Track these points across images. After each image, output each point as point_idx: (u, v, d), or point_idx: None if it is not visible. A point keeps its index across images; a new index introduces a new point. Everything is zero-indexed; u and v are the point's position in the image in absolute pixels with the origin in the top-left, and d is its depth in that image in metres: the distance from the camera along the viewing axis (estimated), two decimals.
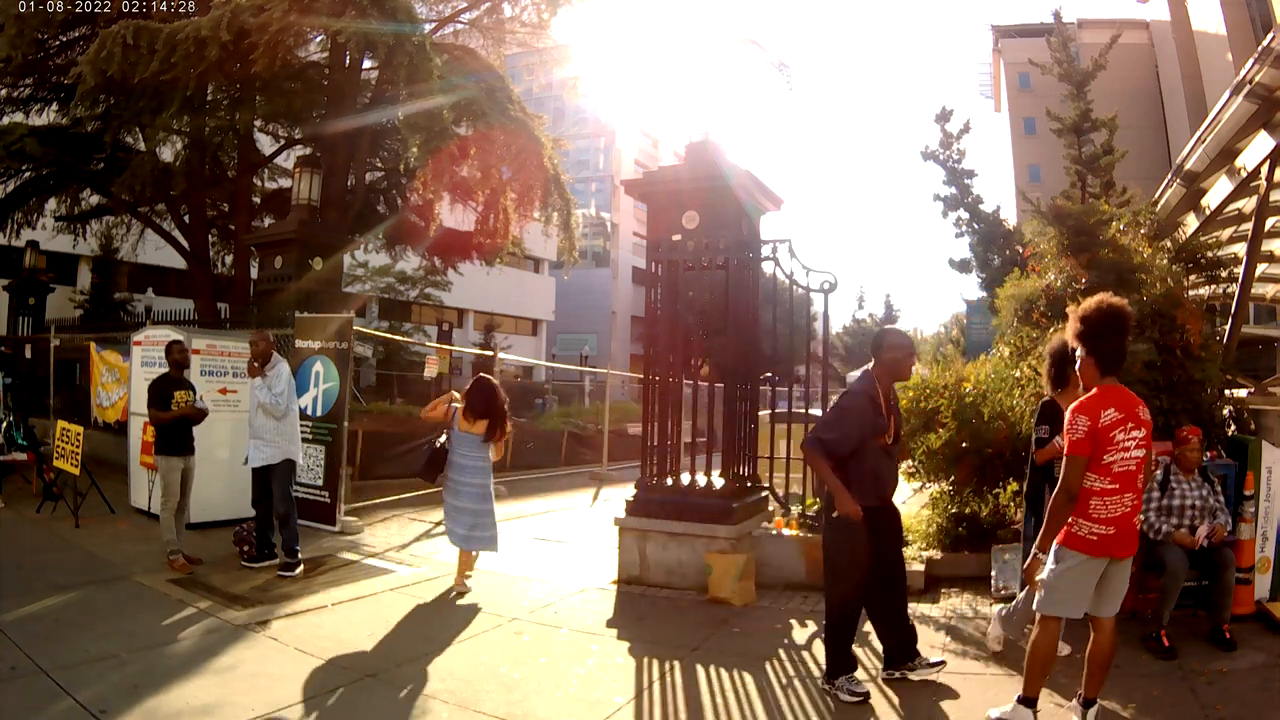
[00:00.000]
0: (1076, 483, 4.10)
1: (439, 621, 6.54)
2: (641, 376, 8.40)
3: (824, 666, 5.14)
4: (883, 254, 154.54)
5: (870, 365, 5.20)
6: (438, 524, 9.63)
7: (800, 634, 6.28)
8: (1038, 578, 4.26)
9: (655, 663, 5.64)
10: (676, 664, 5.59)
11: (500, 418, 7.69)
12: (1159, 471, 6.10)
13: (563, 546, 9.62)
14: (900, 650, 5.23)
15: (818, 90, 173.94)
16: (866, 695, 4.89)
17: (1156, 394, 6.58)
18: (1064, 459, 4.18)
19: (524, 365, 30.30)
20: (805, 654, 5.86)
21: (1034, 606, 4.39)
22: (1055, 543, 4.20)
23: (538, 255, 39.82)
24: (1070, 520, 4.15)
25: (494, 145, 14.37)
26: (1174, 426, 6.40)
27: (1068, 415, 4.19)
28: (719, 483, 7.72)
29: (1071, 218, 8.00)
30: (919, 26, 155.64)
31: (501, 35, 17.20)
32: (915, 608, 6.37)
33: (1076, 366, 4.41)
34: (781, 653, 5.87)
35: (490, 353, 16.45)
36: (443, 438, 7.61)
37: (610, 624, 6.51)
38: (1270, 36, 10.17)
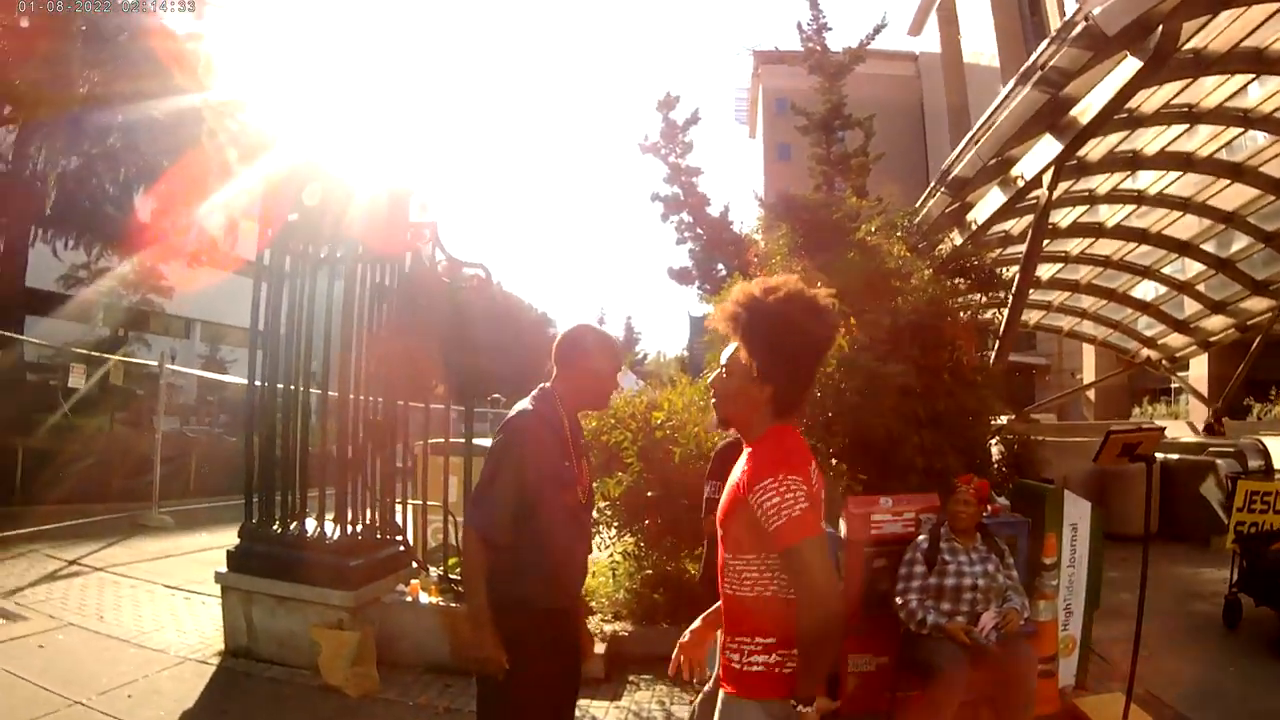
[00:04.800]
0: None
1: None
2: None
3: None
4: (626, 277, 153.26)
5: (551, 381, 3.19)
6: (72, 562, 8.79)
7: None
8: None
9: None
10: None
11: None
12: (923, 538, 4.52)
13: (195, 600, 7.90)
14: None
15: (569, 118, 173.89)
16: None
17: (916, 429, 5.04)
18: (795, 545, 2.24)
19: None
20: None
21: None
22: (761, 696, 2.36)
23: None
24: (780, 654, 2.33)
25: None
26: (938, 471, 4.82)
27: (775, 480, 2.27)
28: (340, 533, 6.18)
29: (806, 210, 6.53)
30: (677, 45, 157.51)
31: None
32: (587, 707, 5.20)
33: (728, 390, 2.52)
34: None
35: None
36: None
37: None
38: (1075, 10, 9.43)
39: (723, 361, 2.51)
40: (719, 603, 2.73)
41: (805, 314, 2.39)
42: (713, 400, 2.55)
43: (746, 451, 2.42)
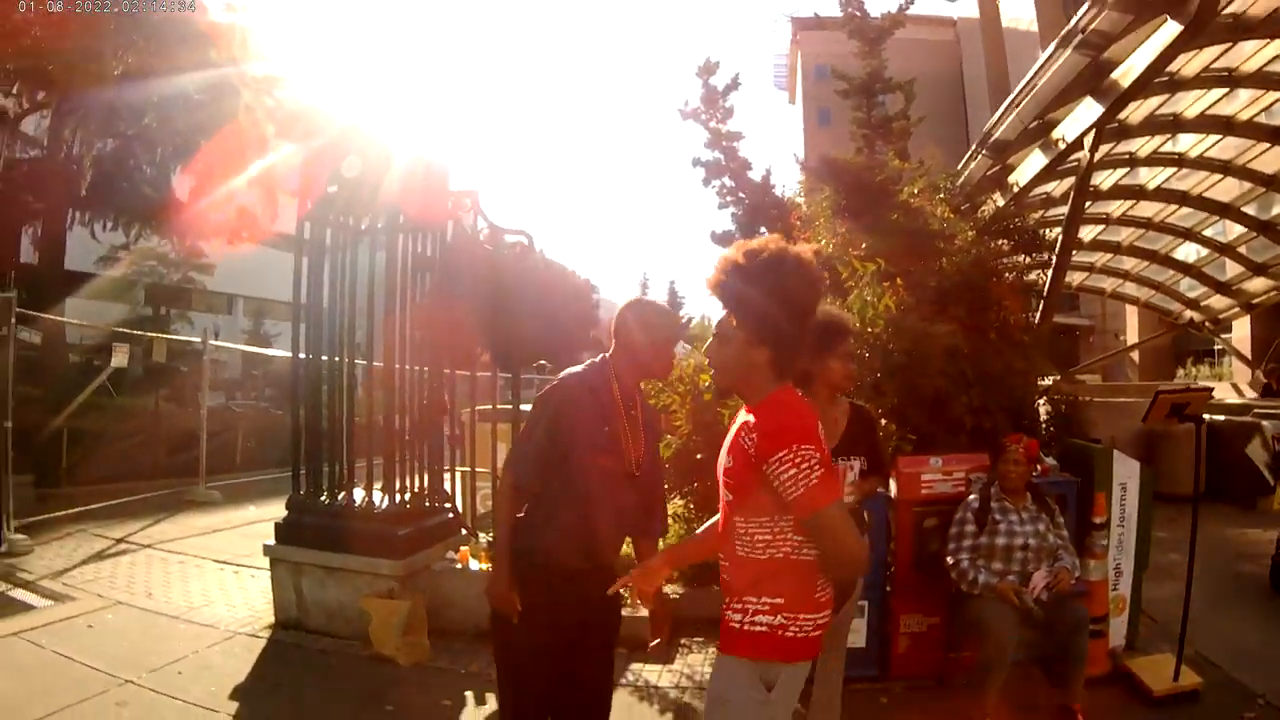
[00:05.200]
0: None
1: (33, 683, 5.07)
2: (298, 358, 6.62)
3: None
4: (670, 242, 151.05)
5: (609, 353, 3.15)
6: (119, 540, 8.87)
7: (475, 715, 4.89)
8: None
9: None
10: None
11: None
12: (973, 498, 4.45)
13: (244, 574, 7.91)
14: None
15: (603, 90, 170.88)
16: None
17: (964, 389, 4.99)
18: (818, 512, 2.23)
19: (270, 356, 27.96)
20: None
21: None
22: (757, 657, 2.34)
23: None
24: (786, 616, 2.33)
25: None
26: (987, 430, 4.78)
27: (790, 452, 2.25)
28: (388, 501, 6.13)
29: (848, 173, 6.49)
30: (716, 11, 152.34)
31: None
32: (640, 671, 5.17)
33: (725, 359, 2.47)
34: None
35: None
36: None
37: (235, 694, 5.02)
38: None
39: (714, 330, 2.50)
40: (681, 541, 2.75)
41: (791, 273, 2.37)
42: (711, 372, 2.52)
43: (749, 417, 2.37)
